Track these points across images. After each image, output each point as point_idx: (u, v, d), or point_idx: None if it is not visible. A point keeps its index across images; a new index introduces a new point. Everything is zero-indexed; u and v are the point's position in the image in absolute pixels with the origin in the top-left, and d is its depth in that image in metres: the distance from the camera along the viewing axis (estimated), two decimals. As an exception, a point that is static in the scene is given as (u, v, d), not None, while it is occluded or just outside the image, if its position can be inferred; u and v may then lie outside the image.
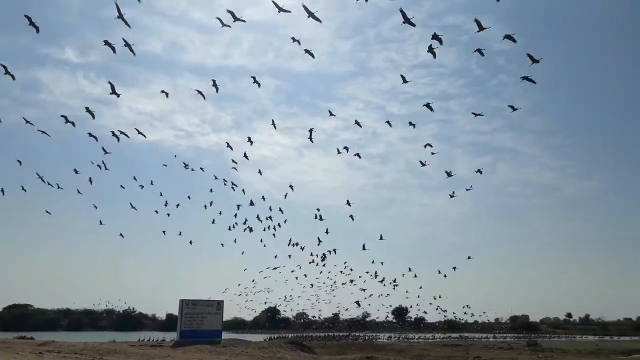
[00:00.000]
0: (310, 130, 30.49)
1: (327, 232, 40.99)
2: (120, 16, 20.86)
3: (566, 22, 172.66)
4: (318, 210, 40.83)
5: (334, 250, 45.44)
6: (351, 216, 41.00)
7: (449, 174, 31.96)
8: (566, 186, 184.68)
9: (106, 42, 22.92)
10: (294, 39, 23.97)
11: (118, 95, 26.56)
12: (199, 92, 28.44)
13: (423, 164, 32.11)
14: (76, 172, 35.26)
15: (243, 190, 42.96)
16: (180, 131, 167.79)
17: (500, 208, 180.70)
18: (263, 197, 41.72)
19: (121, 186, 41.32)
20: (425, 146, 31.82)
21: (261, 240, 46.35)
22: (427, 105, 26.57)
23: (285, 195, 41.07)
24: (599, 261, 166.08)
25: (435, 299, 66.02)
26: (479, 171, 34.50)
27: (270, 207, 41.33)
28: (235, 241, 46.84)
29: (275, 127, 33.46)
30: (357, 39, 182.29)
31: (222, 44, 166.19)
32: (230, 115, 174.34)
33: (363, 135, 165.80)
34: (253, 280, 59.43)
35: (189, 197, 43.59)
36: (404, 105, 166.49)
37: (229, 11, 22.34)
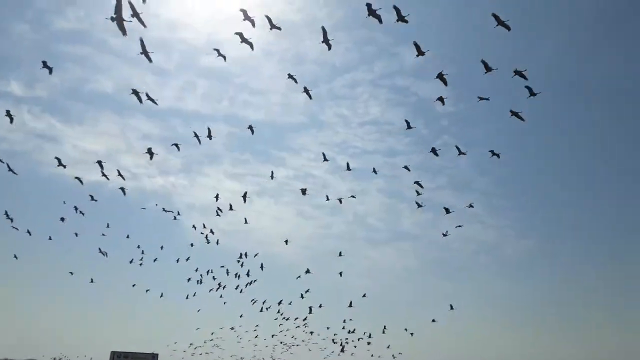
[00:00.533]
0: (304, 190, 31.51)
1: (307, 291, 41.44)
2: (145, 52, 20.67)
3: (506, 84, 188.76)
4: (308, 271, 40.62)
5: (320, 305, 45.55)
6: (340, 273, 44.45)
7: (447, 211, 34.55)
8: (506, 245, 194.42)
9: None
10: (290, 76, 24.30)
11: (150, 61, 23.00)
12: (196, 136, 28.60)
13: (420, 205, 34.47)
14: (62, 220, 34.41)
15: (217, 242, 41.50)
16: (125, 172, 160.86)
17: (443, 263, 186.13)
18: (245, 254, 41.02)
19: (102, 234, 40.68)
20: (418, 185, 34.51)
21: (221, 296, 45.30)
22: (433, 151, 28.37)
23: (255, 255, 41.00)
24: (537, 321, 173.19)
25: (394, 357, 66.13)
26: (471, 205, 36.79)
27: (242, 263, 40.58)
28: (194, 294, 45.48)
29: (272, 177, 34.81)
30: (311, 93, 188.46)
31: (176, 87, 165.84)
32: (180, 159, 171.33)
33: (313, 185, 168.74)
34: (211, 339, 57.05)
35: (161, 247, 42.97)
36: (352, 158, 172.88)
37: (247, 18, 21.71)
